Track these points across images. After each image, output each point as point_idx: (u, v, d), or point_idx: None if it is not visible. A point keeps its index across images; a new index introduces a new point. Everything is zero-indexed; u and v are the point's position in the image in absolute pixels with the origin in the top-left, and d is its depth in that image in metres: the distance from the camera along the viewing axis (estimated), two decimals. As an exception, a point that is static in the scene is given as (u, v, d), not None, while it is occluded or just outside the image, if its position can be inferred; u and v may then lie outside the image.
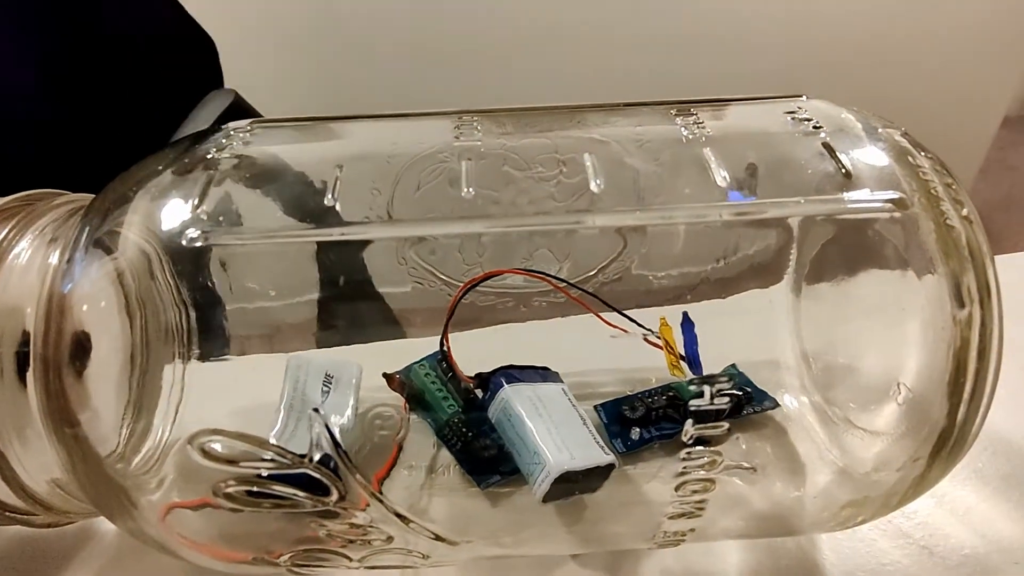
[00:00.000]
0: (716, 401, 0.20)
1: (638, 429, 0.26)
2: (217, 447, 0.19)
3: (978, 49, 1.52)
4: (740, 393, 0.26)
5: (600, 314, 0.24)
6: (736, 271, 0.26)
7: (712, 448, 0.20)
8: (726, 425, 0.20)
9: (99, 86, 0.47)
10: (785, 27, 1.37)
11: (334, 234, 0.20)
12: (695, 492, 0.21)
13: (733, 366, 0.27)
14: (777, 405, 0.27)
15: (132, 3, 0.50)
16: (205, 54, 0.54)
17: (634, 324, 0.24)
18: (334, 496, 0.19)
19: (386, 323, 0.26)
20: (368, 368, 0.26)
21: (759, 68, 1.23)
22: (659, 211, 0.20)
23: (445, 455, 0.26)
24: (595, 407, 0.27)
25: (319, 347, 0.26)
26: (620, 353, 0.26)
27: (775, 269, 0.27)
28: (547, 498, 0.23)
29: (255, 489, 0.19)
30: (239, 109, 0.53)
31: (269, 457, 0.19)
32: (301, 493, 0.19)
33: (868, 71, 1.49)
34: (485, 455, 0.26)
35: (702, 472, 0.21)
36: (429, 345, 0.25)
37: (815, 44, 1.40)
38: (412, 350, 0.26)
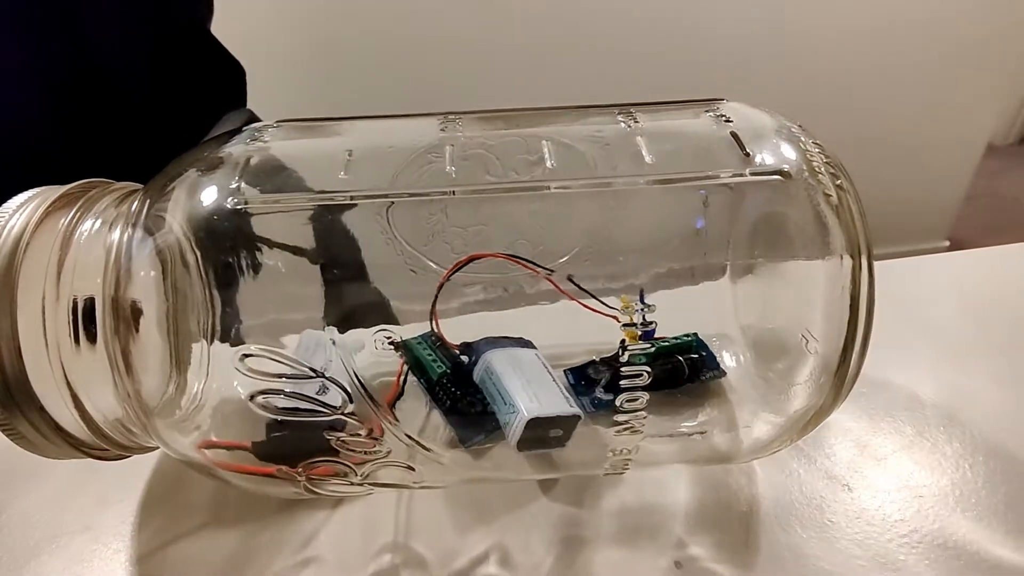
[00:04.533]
0: (643, 346, 0.24)
1: (603, 389, 0.30)
2: (255, 363, 0.23)
3: (961, 81, 1.57)
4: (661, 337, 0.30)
5: (570, 293, 0.28)
6: (684, 261, 0.30)
7: (641, 381, 0.25)
8: (648, 369, 0.25)
9: (111, 113, 0.49)
10: (779, 58, 1.43)
11: (347, 196, 0.24)
12: (633, 418, 0.25)
13: (695, 335, 0.31)
14: (724, 374, 0.31)
15: (148, 31, 0.51)
16: (231, 79, 0.57)
17: (599, 303, 0.28)
18: (344, 405, 0.24)
19: (383, 308, 0.29)
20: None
21: (756, 92, 1.29)
22: (599, 180, 0.25)
23: (436, 417, 0.29)
24: (565, 371, 0.31)
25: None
26: (588, 328, 0.29)
27: (717, 257, 0.31)
28: (521, 444, 0.26)
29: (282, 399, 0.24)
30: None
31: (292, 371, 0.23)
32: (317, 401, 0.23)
33: (857, 102, 1.54)
34: (471, 412, 0.29)
35: (636, 401, 0.25)
36: (422, 328, 0.28)
37: (806, 74, 1.45)
38: (407, 333, 0.30)
